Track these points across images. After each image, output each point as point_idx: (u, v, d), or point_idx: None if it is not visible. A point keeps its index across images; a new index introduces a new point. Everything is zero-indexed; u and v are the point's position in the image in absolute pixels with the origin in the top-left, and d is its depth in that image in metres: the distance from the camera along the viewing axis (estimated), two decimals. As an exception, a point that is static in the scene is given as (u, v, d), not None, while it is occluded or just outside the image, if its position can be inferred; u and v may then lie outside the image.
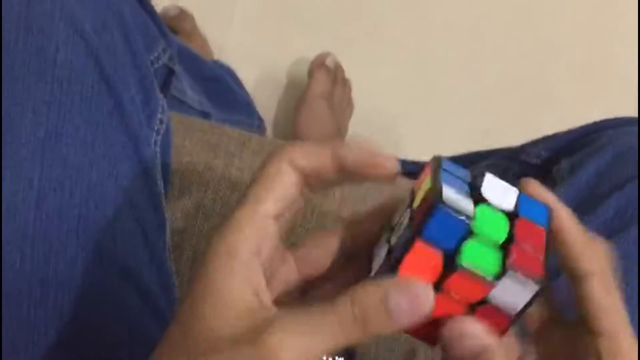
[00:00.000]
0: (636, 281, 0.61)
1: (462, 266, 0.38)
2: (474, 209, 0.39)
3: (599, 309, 0.41)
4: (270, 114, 1.36)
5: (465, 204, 0.39)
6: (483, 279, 0.39)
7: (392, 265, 0.39)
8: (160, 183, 0.62)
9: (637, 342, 0.41)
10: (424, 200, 0.40)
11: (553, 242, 0.42)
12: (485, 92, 1.41)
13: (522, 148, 0.79)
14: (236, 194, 0.69)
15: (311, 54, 1.33)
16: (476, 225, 0.39)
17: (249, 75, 1.33)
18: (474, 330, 0.39)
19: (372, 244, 0.44)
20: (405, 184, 0.56)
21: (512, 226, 0.40)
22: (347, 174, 0.41)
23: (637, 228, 0.63)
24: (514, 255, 0.39)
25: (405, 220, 0.41)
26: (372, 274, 0.42)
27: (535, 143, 0.78)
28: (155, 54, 0.69)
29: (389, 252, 0.41)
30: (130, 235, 0.57)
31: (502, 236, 0.39)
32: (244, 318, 0.37)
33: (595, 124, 0.76)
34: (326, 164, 0.41)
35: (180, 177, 0.69)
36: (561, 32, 1.44)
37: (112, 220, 0.55)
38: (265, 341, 0.36)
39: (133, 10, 0.64)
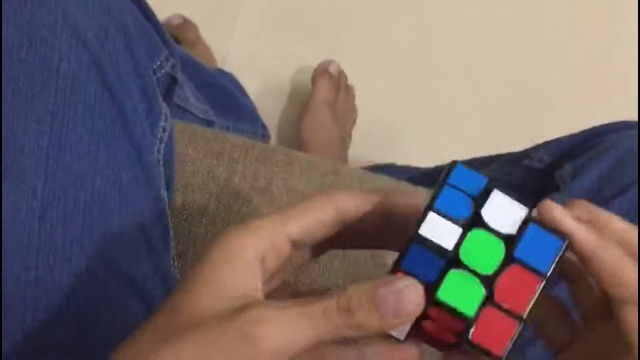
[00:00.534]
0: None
1: (439, 299, 0.38)
2: (465, 234, 0.38)
3: (633, 336, 0.40)
4: (274, 121, 1.36)
5: (448, 233, 0.38)
6: (460, 314, 0.38)
7: None
8: (164, 191, 0.62)
9: None
10: (413, 223, 0.39)
11: (575, 270, 0.41)
12: (487, 98, 1.41)
13: (525, 153, 0.79)
14: (239, 201, 0.69)
15: (314, 61, 1.34)
16: (464, 254, 0.38)
17: (252, 84, 1.33)
18: None
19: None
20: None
21: (507, 257, 0.38)
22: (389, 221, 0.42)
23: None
24: (476, 329, 0.37)
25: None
26: None
27: (537, 148, 0.78)
28: (158, 63, 0.69)
29: None
30: (134, 243, 0.57)
31: (490, 268, 0.38)
32: (234, 301, 0.38)
33: (597, 128, 0.76)
34: (371, 211, 0.41)
35: (184, 184, 0.69)
36: (561, 37, 1.44)
37: (115, 229, 0.55)
38: (245, 317, 0.36)
39: (135, 19, 0.64)
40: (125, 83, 0.59)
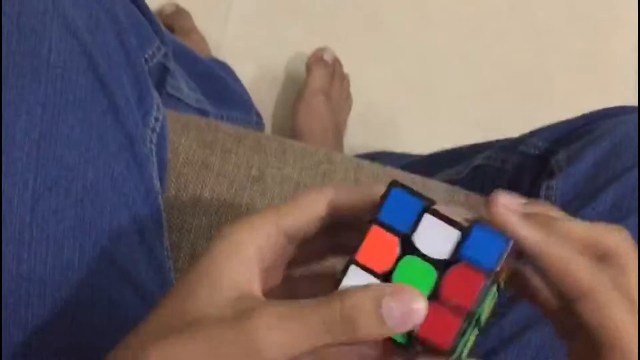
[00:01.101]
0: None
1: None
2: (397, 262, 0.39)
3: (593, 328, 0.39)
4: (268, 110, 1.35)
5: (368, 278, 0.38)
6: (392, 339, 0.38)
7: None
8: (157, 181, 0.62)
9: None
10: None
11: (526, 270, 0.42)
12: (484, 84, 1.41)
13: (521, 139, 0.79)
14: (233, 191, 0.69)
15: (309, 49, 1.33)
16: (396, 281, 0.38)
17: (246, 72, 1.32)
18: None
19: None
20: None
21: (439, 278, 0.38)
22: None
23: (635, 218, 0.63)
24: (423, 326, 0.37)
25: None
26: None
27: (533, 134, 0.78)
28: (150, 52, 0.69)
29: None
30: (127, 234, 0.57)
31: (425, 289, 0.38)
32: (233, 302, 0.38)
33: (593, 113, 0.75)
34: (366, 207, 0.41)
35: (177, 175, 0.69)
36: (559, 22, 1.44)
37: (108, 220, 0.55)
38: (247, 326, 0.36)
39: (126, 8, 0.63)
40: (117, 73, 0.58)
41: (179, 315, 0.38)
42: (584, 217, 0.41)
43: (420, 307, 0.37)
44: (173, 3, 1.36)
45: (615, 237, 0.41)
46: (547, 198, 0.69)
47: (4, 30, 0.53)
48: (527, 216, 0.40)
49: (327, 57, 1.30)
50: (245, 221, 0.41)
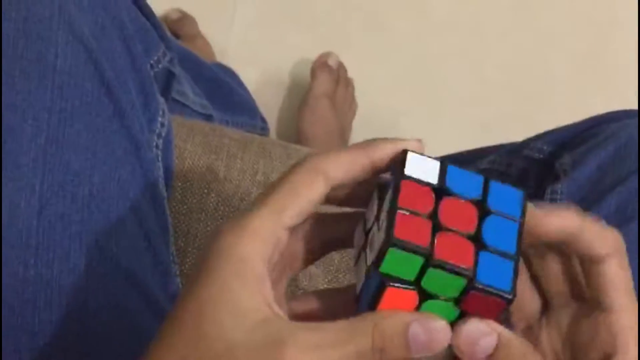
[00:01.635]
0: (636, 274, 0.61)
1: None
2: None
3: (616, 286, 0.40)
4: (273, 115, 1.35)
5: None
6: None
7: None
8: (162, 186, 0.62)
9: None
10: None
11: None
12: (487, 86, 1.41)
13: (525, 143, 0.79)
14: (239, 196, 0.69)
15: (313, 54, 1.33)
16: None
17: (251, 77, 1.33)
18: (484, 327, 0.39)
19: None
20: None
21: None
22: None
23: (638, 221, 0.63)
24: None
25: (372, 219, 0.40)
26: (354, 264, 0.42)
27: (537, 137, 0.78)
28: (155, 58, 0.69)
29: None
30: (133, 239, 0.57)
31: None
32: (259, 328, 0.37)
33: (597, 117, 0.75)
34: (360, 172, 0.40)
35: (183, 180, 0.69)
36: (561, 23, 1.44)
37: (115, 225, 0.55)
38: (280, 358, 0.36)
39: (131, 14, 0.64)
40: (122, 78, 0.59)
41: (206, 347, 0.37)
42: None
43: (444, 333, 0.37)
44: (178, 9, 1.36)
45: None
46: (552, 202, 0.69)
47: (11, 36, 0.53)
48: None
49: (331, 62, 1.30)
50: (245, 229, 0.38)
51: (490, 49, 1.42)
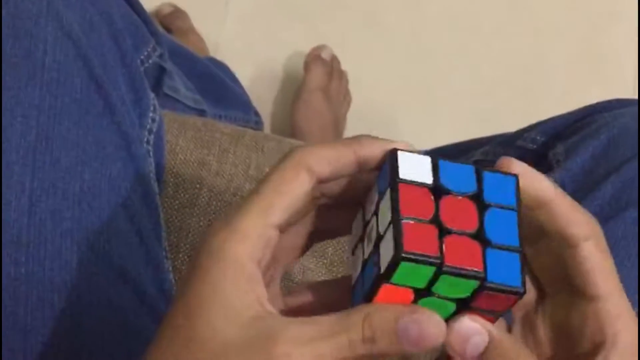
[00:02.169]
0: (635, 263, 0.61)
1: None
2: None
3: (596, 272, 0.40)
4: (267, 108, 1.35)
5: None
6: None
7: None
8: (154, 182, 0.62)
9: (634, 305, 0.41)
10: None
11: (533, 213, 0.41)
12: (483, 79, 1.41)
13: (518, 134, 0.79)
14: (231, 190, 0.69)
15: (306, 47, 1.33)
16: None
17: (244, 71, 1.32)
18: (475, 326, 0.39)
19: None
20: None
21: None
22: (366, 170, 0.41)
23: (635, 209, 0.63)
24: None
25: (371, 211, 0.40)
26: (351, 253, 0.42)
27: (531, 128, 0.78)
28: (145, 53, 0.69)
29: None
30: (125, 235, 0.57)
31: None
32: (251, 325, 0.37)
33: (590, 106, 0.75)
34: (345, 168, 0.40)
35: (175, 175, 0.69)
36: (558, 15, 1.44)
37: (106, 222, 0.55)
38: (274, 352, 0.36)
39: (121, 9, 0.63)
40: (112, 74, 0.58)
41: (199, 347, 0.37)
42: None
43: (433, 329, 0.37)
44: (170, 3, 1.36)
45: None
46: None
47: (-1, 34, 0.53)
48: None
49: (324, 55, 1.30)
50: (235, 230, 0.38)
51: (485, 42, 1.42)
